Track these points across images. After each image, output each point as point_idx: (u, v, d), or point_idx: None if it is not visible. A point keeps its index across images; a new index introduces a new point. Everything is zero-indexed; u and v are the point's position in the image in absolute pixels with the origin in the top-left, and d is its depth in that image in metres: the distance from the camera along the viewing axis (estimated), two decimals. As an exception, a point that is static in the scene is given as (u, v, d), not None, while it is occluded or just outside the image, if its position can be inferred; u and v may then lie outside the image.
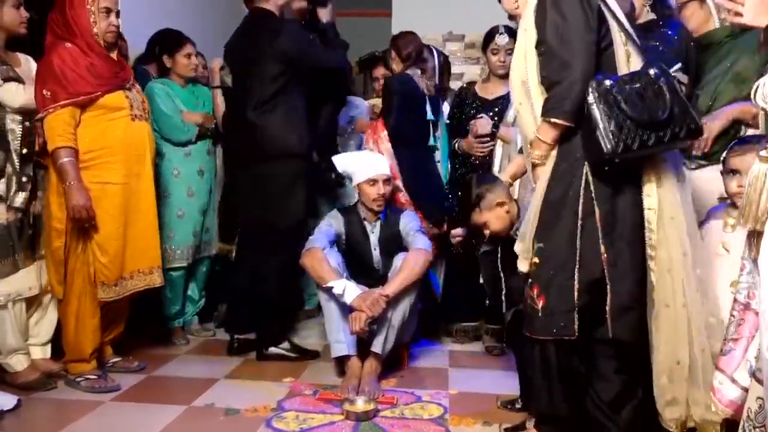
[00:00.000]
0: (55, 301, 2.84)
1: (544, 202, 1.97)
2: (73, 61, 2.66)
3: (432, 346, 3.45)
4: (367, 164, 3.07)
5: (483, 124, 3.39)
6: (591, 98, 1.83)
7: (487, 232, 2.55)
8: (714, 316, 1.97)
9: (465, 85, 3.72)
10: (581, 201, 1.90)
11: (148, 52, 3.56)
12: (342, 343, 2.87)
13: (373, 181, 3.02)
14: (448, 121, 3.57)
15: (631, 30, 1.99)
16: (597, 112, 1.81)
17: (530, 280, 1.99)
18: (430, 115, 3.35)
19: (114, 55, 2.81)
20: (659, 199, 1.92)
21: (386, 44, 3.50)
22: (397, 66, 3.40)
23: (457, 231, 3.08)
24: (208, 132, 3.46)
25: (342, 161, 3.15)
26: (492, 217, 2.50)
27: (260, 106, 3.04)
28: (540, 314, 1.94)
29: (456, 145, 3.52)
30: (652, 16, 2.68)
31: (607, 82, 1.84)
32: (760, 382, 1.41)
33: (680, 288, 1.92)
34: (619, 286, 1.91)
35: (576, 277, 1.91)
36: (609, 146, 1.79)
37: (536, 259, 1.97)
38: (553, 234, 1.94)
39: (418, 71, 3.35)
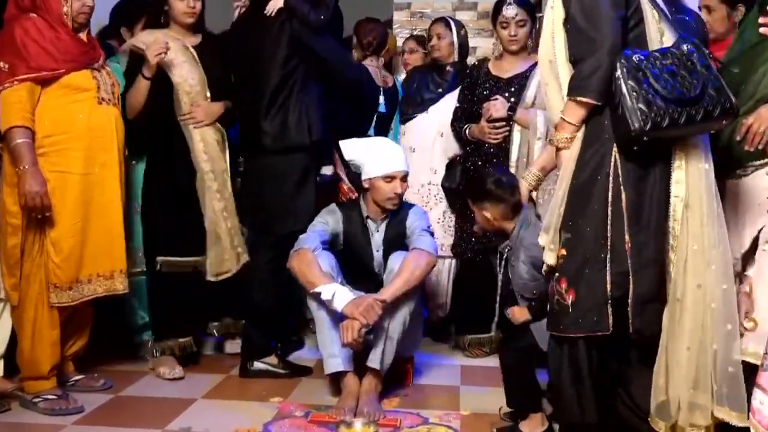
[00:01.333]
0: (9, 308, 2.65)
1: (570, 188, 1.94)
2: (37, 32, 2.52)
3: (440, 361, 3.29)
4: (383, 156, 2.83)
5: (498, 106, 3.16)
6: (618, 73, 1.83)
7: (476, 227, 2.65)
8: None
9: (476, 63, 3.49)
10: (611, 186, 1.89)
11: (111, 24, 3.37)
12: (336, 358, 2.66)
13: (390, 178, 2.79)
14: (457, 104, 3.38)
15: (664, 7, 1.98)
16: (625, 88, 1.81)
17: (557, 274, 1.96)
18: (382, 108, 3.34)
19: (83, 35, 2.66)
20: (687, 187, 1.91)
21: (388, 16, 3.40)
22: (357, 53, 3.39)
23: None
24: None
25: (352, 148, 2.89)
26: (480, 218, 2.50)
27: (270, 95, 2.93)
28: (570, 309, 1.92)
29: (467, 131, 3.29)
30: None
31: (636, 58, 1.83)
32: None
33: (692, 282, 1.91)
34: (642, 277, 1.90)
35: (608, 267, 1.89)
36: (637, 124, 1.79)
37: (563, 251, 1.94)
38: (580, 223, 1.92)
39: (376, 61, 3.41)
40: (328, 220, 2.84)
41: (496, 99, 3.17)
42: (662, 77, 1.81)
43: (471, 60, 3.73)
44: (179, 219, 2.95)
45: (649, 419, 1.98)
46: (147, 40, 2.87)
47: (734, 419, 1.84)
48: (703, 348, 1.90)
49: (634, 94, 1.80)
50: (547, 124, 2.12)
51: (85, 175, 2.59)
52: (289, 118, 2.90)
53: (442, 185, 3.39)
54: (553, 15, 1.96)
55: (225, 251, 2.95)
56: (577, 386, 1.98)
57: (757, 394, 1.61)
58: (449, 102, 3.43)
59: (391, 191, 2.78)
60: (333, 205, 2.94)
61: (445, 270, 3.44)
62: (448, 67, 3.52)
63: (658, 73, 1.81)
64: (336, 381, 2.73)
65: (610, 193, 1.88)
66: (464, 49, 3.59)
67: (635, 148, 1.85)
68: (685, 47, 1.86)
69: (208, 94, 2.95)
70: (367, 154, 2.84)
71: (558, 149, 1.98)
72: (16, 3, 2.56)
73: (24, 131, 2.45)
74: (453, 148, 3.42)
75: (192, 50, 2.96)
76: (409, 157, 3.42)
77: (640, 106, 1.79)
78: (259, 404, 2.67)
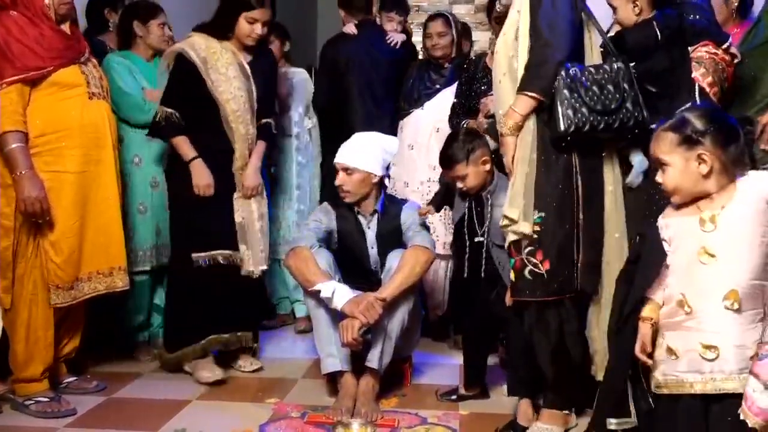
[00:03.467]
0: (1, 311, 2.59)
1: (539, 173, 2.22)
2: (19, 31, 2.45)
3: (439, 360, 3.27)
4: (344, 146, 2.82)
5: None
6: (557, 83, 2.16)
7: (462, 186, 2.58)
8: (707, 341, 1.73)
9: (474, 58, 3.44)
10: (574, 176, 2.24)
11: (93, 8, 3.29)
12: (334, 358, 2.63)
13: (336, 169, 2.78)
14: (455, 99, 3.31)
15: (598, 25, 2.35)
16: (558, 95, 2.16)
17: (531, 248, 2.22)
18: None
19: (66, 27, 2.60)
20: (614, 182, 2.31)
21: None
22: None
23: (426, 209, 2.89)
24: None
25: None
26: (474, 172, 2.55)
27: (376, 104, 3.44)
28: (545, 277, 2.21)
29: (464, 126, 3.21)
30: None
31: (572, 71, 2.17)
32: None
33: (610, 254, 2.29)
34: (590, 248, 2.26)
35: (576, 240, 2.24)
36: (563, 126, 2.16)
37: (538, 227, 2.21)
38: (554, 205, 2.22)
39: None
40: (322, 218, 2.81)
41: (493, 94, 3.11)
42: (591, 89, 2.16)
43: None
44: (213, 215, 2.90)
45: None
46: (199, 46, 2.84)
47: None
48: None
49: (566, 101, 2.14)
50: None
51: (81, 173, 2.56)
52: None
53: (440, 182, 3.35)
54: (519, 18, 2.22)
55: (255, 250, 2.94)
56: (548, 346, 2.26)
57: (751, 382, 1.60)
58: (445, 97, 3.39)
59: (337, 182, 2.77)
60: (325, 204, 2.92)
61: (442, 269, 3.41)
62: (446, 64, 3.49)
63: (588, 86, 2.16)
64: (333, 381, 2.71)
65: (573, 181, 2.23)
66: (460, 43, 3.56)
67: (563, 144, 2.20)
68: (615, 65, 2.20)
69: (255, 110, 2.94)
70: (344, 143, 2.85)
71: (502, 135, 2.25)
72: None
73: (17, 135, 2.41)
74: None
75: (246, 66, 2.93)
76: (406, 154, 3.42)
77: (568, 112, 2.13)
78: (255, 405, 2.65)
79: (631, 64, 2.25)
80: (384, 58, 3.59)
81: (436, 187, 3.34)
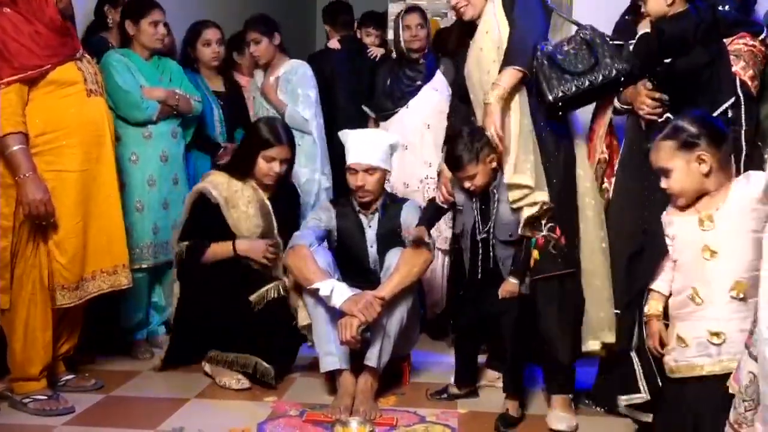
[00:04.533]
0: None
1: (538, 144, 2.44)
2: (14, 29, 2.41)
3: (437, 359, 3.24)
4: (356, 146, 2.79)
5: None
6: (536, 62, 2.39)
7: (471, 185, 2.51)
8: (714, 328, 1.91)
9: None
10: (573, 165, 2.52)
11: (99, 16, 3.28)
12: (333, 356, 2.62)
13: (353, 170, 2.76)
14: (453, 96, 3.23)
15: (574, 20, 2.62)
16: (540, 71, 2.38)
17: (551, 224, 2.39)
18: None
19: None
20: (584, 170, 2.56)
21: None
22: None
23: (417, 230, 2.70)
24: (173, 111, 3.15)
25: (344, 137, 2.88)
26: (483, 171, 2.50)
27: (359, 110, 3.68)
28: (566, 249, 2.40)
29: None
30: None
31: (547, 48, 2.42)
32: (754, 358, 1.55)
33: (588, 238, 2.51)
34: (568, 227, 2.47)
35: (575, 218, 2.50)
36: (551, 96, 2.36)
37: (553, 204, 2.39)
38: (563, 184, 2.46)
39: None
40: (321, 217, 2.81)
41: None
42: (567, 57, 2.37)
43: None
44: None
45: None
46: (221, 184, 2.84)
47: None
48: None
49: (547, 73, 2.35)
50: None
51: (82, 171, 2.54)
52: None
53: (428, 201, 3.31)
54: (499, 23, 2.46)
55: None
56: (574, 322, 2.45)
57: (744, 355, 1.68)
58: (428, 92, 3.39)
59: (354, 184, 2.74)
60: (326, 202, 2.91)
61: (439, 266, 3.39)
62: (421, 59, 3.47)
63: (564, 55, 2.37)
64: (332, 379, 2.70)
65: (573, 171, 2.51)
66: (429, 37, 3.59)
67: (559, 113, 2.42)
68: (582, 33, 2.40)
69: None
70: (350, 143, 2.82)
71: (488, 103, 2.38)
72: None
73: (18, 137, 2.38)
74: (441, 136, 3.28)
75: (268, 203, 2.91)
76: (401, 155, 3.35)
77: (552, 82, 2.35)
78: (253, 404, 2.65)
79: (667, 60, 2.27)
80: (365, 70, 3.79)
81: (434, 184, 3.33)
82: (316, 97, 3.56)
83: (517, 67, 2.36)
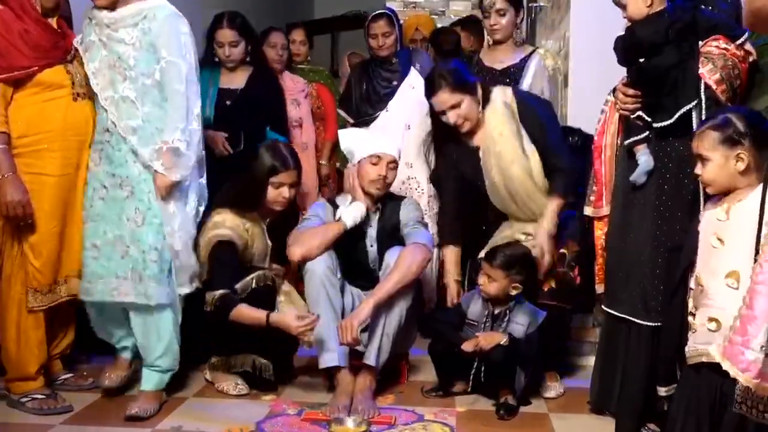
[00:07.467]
0: None
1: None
2: (4, 27, 2.38)
3: None
4: (373, 140, 2.81)
5: None
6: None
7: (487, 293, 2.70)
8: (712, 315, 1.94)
9: (468, 54, 3.41)
10: None
11: None
12: (332, 353, 2.61)
13: (377, 158, 2.74)
14: None
15: None
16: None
17: (572, 263, 2.69)
18: None
19: (53, 21, 2.53)
20: None
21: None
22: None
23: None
24: None
25: (347, 137, 2.87)
26: (507, 282, 2.65)
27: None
28: (576, 289, 2.71)
29: None
30: None
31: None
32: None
33: None
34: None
35: None
36: None
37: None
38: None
39: None
40: (320, 213, 2.78)
41: None
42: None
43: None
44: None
45: None
46: (237, 226, 2.70)
47: None
48: None
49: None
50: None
51: (62, 176, 2.51)
52: None
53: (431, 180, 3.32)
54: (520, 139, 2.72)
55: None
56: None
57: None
58: (405, 91, 3.37)
59: (376, 173, 2.72)
60: (323, 200, 2.88)
61: (435, 259, 3.29)
62: (393, 59, 3.45)
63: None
64: (330, 377, 2.70)
65: None
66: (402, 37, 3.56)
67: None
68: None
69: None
70: (359, 139, 2.81)
71: (544, 231, 2.67)
72: None
73: (0, 137, 2.35)
74: (422, 136, 3.36)
75: (263, 226, 2.81)
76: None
77: None
78: (251, 402, 2.64)
79: (641, 60, 2.21)
80: None
81: (415, 184, 3.34)
82: None
83: (563, 198, 2.68)
